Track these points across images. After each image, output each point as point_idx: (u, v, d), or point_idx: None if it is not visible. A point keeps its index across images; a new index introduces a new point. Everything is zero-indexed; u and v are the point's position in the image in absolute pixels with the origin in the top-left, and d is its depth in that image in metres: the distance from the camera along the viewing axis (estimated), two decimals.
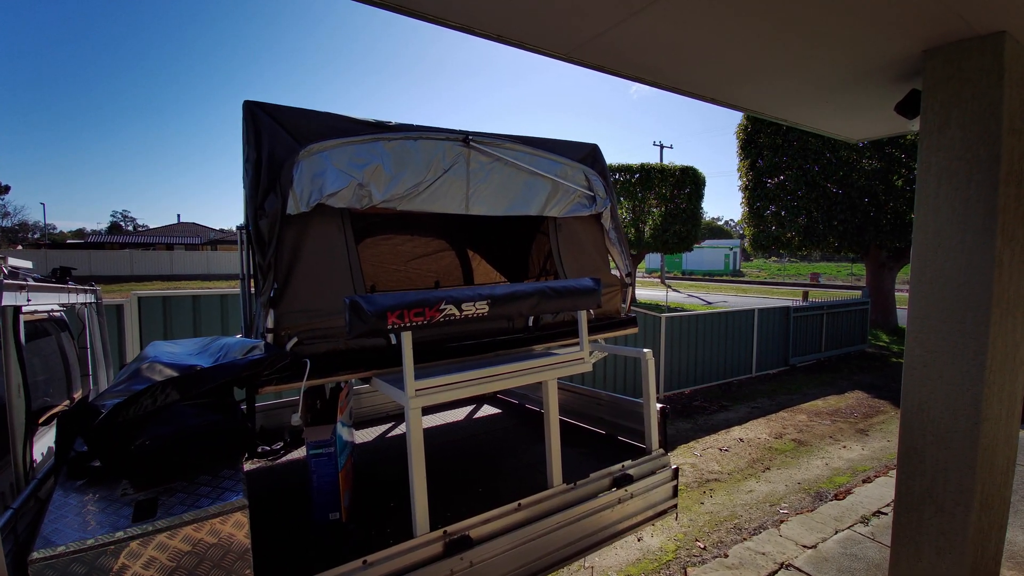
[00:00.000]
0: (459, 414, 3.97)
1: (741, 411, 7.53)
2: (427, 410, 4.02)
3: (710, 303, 23.10)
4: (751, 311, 9.57)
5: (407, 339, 2.02)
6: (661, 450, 2.90)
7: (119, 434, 1.84)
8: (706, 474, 5.28)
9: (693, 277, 43.41)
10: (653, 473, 2.81)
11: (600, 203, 3.52)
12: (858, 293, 15.97)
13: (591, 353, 3.58)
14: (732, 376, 9.26)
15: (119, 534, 1.48)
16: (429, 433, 3.52)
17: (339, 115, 2.66)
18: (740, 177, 15.90)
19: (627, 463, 2.74)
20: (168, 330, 4.62)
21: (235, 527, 1.62)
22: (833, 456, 5.79)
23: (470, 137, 2.97)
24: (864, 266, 15.46)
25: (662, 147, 35.59)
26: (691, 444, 6.14)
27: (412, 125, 2.85)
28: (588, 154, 3.57)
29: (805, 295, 14.79)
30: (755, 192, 15.28)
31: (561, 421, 3.71)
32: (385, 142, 2.72)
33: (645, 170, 20.75)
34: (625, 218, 21.37)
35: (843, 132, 3.43)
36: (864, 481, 4.61)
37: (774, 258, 54.85)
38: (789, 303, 10.82)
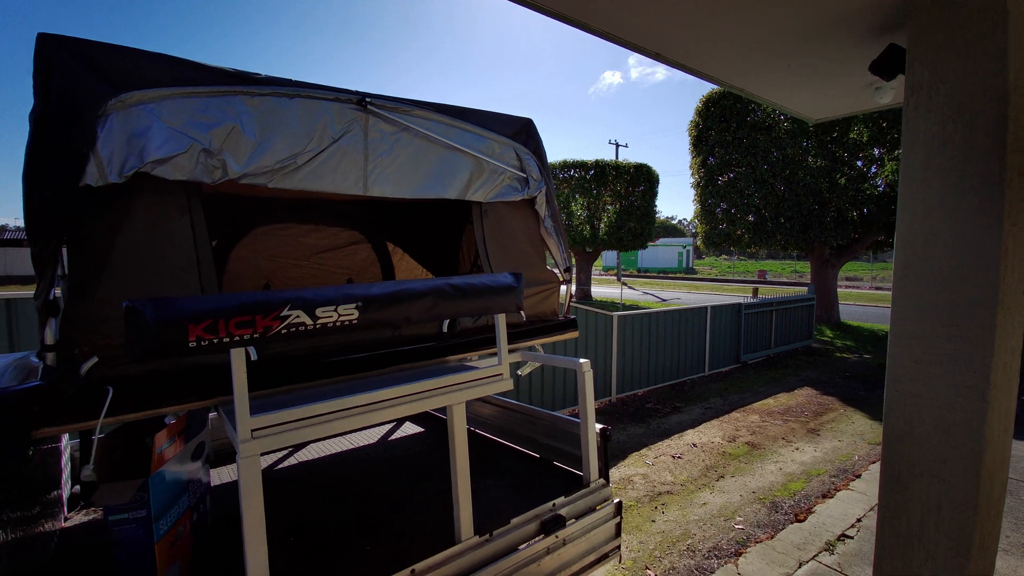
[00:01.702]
0: (370, 435, 3.37)
1: (694, 412, 7.26)
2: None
3: (665, 300, 23.28)
4: (704, 309, 9.38)
5: (238, 359, 1.43)
6: (601, 480, 2.42)
7: None
8: (658, 486, 4.90)
9: (648, 274, 44.07)
10: (591, 510, 2.31)
11: (534, 186, 3.01)
12: (803, 289, 16.34)
13: (522, 365, 3.08)
14: (685, 375, 9.03)
15: None
16: (320, 463, 2.87)
17: (179, 58, 2.01)
18: (692, 174, 15.92)
19: (559, 501, 2.23)
20: None
21: None
22: (786, 459, 5.55)
23: (368, 99, 2.38)
24: (809, 263, 15.82)
25: (617, 145, 35.80)
26: (643, 452, 5.77)
27: (287, 79, 2.24)
28: (520, 129, 3.05)
29: (755, 292, 14.95)
30: (707, 189, 15.31)
31: (488, 441, 3.19)
32: (246, 97, 2.08)
33: (600, 167, 20.59)
34: (580, 215, 21.15)
35: (803, 108, 3.06)
36: (824, 496, 4.34)
37: (724, 256, 56.62)
38: (740, 300, 10.76)
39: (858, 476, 4.69)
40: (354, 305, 1.52)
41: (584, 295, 22.76)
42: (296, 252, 3.49)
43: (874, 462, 5.10)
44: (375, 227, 3.79)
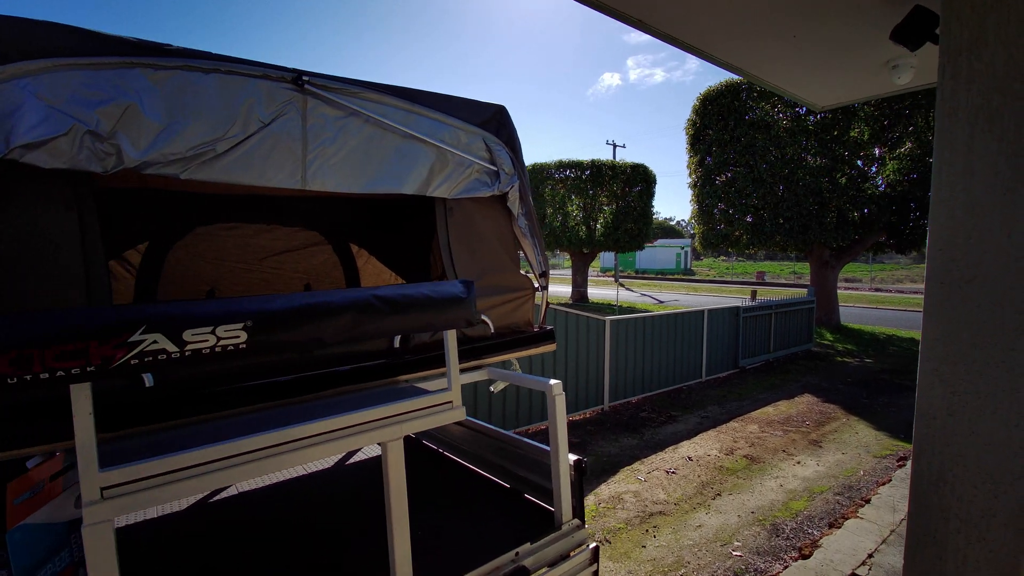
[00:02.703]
0: (324, 460, 3.02)
1: (690, 422, 6.93)
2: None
3: (662, 302, 22.96)
4: (700, 312, 9.06)
5: (79, 397, 1.09)
6: (575, 521, 2.08)
7: None
8: (651, 505, 4.56)
9: (646, 276, 43.75)
10: (564, 558, 1.97)
11: (505, 180, 2.68)
12: (803, 291, 16.03)
13: (493, 384, 2.74)
14: (681, 382, 8.70)
15: None
16: (246, 497, 2.49)
17: (66, 25, 1.67)
18: (690, 174, 15.61)
19: (523, 549, 1.89)
20: None
21: None
22: (787, 474, 5.22)
23: (306, 78, 2.05)
24: (808, 264, 15.52)
25: (615, 146, 35.51)
26: (636, 466, 5.43)
27: (202, 51, 1.90)
28: (491, 117, 2.71)
29: (753, 294, 14.62)
30: (704, 189, 15.00)
31: (452, 465, 2.78)
32: (148, 71, 1.75)
33: (596, 167, 20.28)
34: (576, 216, 20.82)
35: (808, 93, 2.73)
36: (831, 526, 4.00)
37: (723, 257, 56.35)
38: (739, 303, 10.44)
39: (867, 501, 4.35)
40: (241, 326, 1.18)
41: (581, 297, 22.43)
42: (245, 255, 3.15)
43: (883, 483, 4.77)
44: (336, 227, 3.45)
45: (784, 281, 34.31)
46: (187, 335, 1.11)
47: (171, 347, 1.10)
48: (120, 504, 1.14)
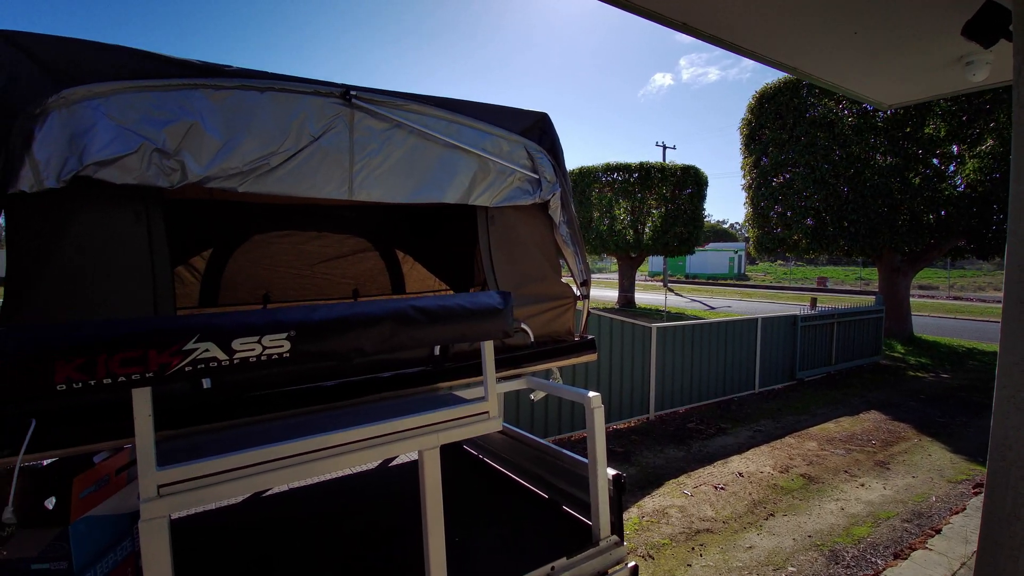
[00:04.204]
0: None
1: (742, 436, 6.63)
2: None
3: (713, 308, 22.16)
4: (754, 320, 8.66)
5: (140, 400, 1.18)
6: (614, 537, 2.03)
7: None
8: (697, 521, 4.39)
9: (697, 281, 42.38)
10: None
11: (547, 188, 2.67)
12: (870, 299, 15.00)
13: (533, 393, 2.72)
14: (733, 392, 8.35)
15: None
16: (285, 496, 2.56)
17: (134, 49, 1.82)
18: (744, 175, 15.00)
19: (559, 564, 1.86)
20: None
21: None
22: (850, 497, 4.89)
23: (353, 92, 2.13)
24: (876, 270, 14.52)
25: (664, 147, 34.68)
26: (681, 479, 5.25)
27: (258, 71, 2.01)
28: (533, 125, 2.72)
29: (813, 302, 13.81)
30: (759, 191, 14.36)
31: (492, 472, 2.77)
32: (209, 91, 1.86)
33: (644, 169, 19.88)
34: (624, 219, 20.47)
35: (873, 92, 2.55)
36: (895, 556, 3.69)
37: (780, 261, 53.71)
38: (796, 310, 9.91)
39: (938, 531, 4.00)
40: (285, 335, 1.24)
41: (627, 301, 22.02)
42: (298, 261, 3.30)
43: (956, 512, 4.37)
44: (383, 234, 3.55)
45: (849, 288, 32.27)
46: (236, 344, 1.17)
47: (221, 355, 1.16)
48: (176, 501, 1.21)
